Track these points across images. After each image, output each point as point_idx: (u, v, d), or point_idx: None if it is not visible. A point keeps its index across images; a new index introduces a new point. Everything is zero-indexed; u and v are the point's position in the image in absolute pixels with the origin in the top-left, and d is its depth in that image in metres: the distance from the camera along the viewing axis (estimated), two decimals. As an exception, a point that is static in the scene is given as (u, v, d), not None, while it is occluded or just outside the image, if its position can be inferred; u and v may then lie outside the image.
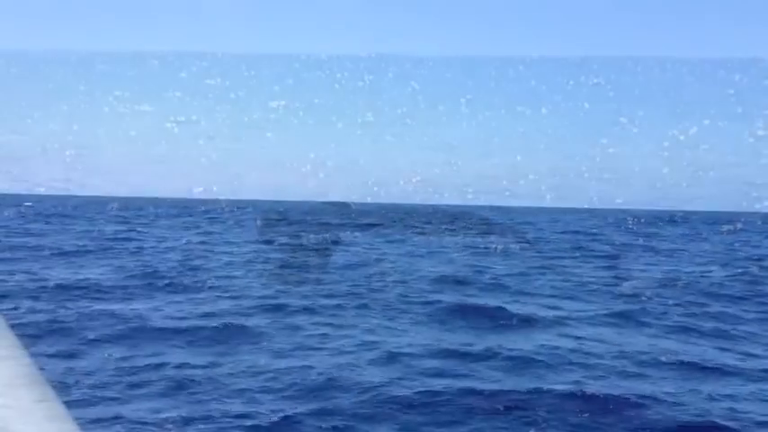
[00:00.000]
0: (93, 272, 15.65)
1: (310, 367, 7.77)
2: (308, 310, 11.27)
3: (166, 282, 14.18)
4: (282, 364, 7.94)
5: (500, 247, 30.31)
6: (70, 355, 8.05)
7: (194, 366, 7.73)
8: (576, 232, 47.80)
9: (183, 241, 26.99)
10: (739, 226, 72.74)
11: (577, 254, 26.65)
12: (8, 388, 0.51)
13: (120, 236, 28.71)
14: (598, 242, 35.85)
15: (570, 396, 7.08)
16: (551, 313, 12.09)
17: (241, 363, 7.96)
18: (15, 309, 10.35)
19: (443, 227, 53.51)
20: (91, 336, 8.91)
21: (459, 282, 16.31)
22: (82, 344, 8.59)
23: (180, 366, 7.69)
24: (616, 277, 18.11)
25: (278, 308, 11.47)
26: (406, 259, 22.46)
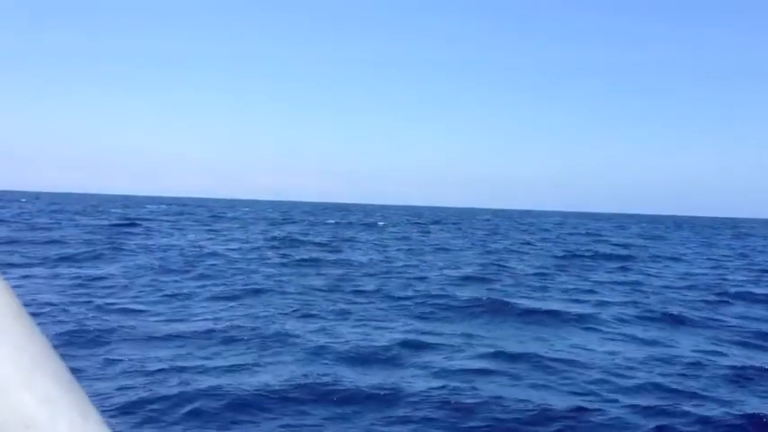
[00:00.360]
0: (110, 268, 15.37)
1: (361, 374, 7.25)
2: (342, 312, 10.78)
3: (189, 279, 13.84)
4: (325, 369, 7.36)
5: (509, 247, 30.18)
6: (94, 356, 7.69)
7: (233, 371, 7.12)
8: (587, 234, 47.81)
9: (192, 238, 26.74)
10: (743, 231, 73.03)
11: (588, 254, 26.48)
12: (31, 378, 0.51)
13: (125, 231, 28.48)
14: (606, 243, 35.74)
15: (621, 405, 6.73)
16: (583, 311, 11.83)
17: (282, 370, 7.26)
18: (38, 308, 9.96)
19: (450, 226, 53.58)
20: (114, 338, 8.52)
21: (481, 279, 16.10)
22: (105, 346, 8.23)
23: (222, 371, 7.07)
24: (636, 280, 17.90)
25: (309, 306, 11.10)
26: (418, 257, 22.25)
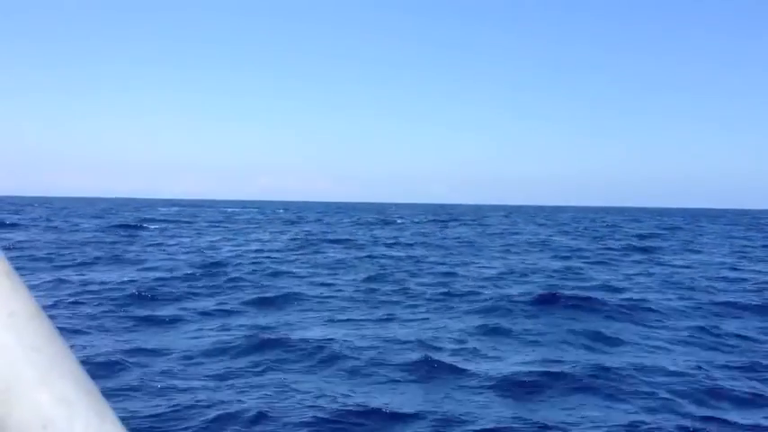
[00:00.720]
0: (136, 272, 15.03)
1: (421, 388, 6.63)
2: (384, 315, 10.25)
3: (219, 283, 13.29)
4: (381, 383, 6.75)
5: (531, 240, 29.78)
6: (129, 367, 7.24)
7: (285, 386, 6.51)
8: (607, 226, 47.34)
9: (212, 239, 26.48)
10: (762, 222, 72.24)
11: (616, 246, 26.15)
12: (48, 378, 0.52)
13: (144, 233, 28.19)
14: (628, 235, 35.32)
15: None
16: (629, 303, 11.42)
17: (336, 386, 6.59)
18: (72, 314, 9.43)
19: (470, 222, 53.12)
20: (155, 349, 8.05)
21: (518, 274, 15.77)
22: (147, 356, 7.82)
23: (273, 387, 6.48)
24: (669, 272, 17.51)
25: (349, 310, 10.62)
26: (446, 253, 21.88)
